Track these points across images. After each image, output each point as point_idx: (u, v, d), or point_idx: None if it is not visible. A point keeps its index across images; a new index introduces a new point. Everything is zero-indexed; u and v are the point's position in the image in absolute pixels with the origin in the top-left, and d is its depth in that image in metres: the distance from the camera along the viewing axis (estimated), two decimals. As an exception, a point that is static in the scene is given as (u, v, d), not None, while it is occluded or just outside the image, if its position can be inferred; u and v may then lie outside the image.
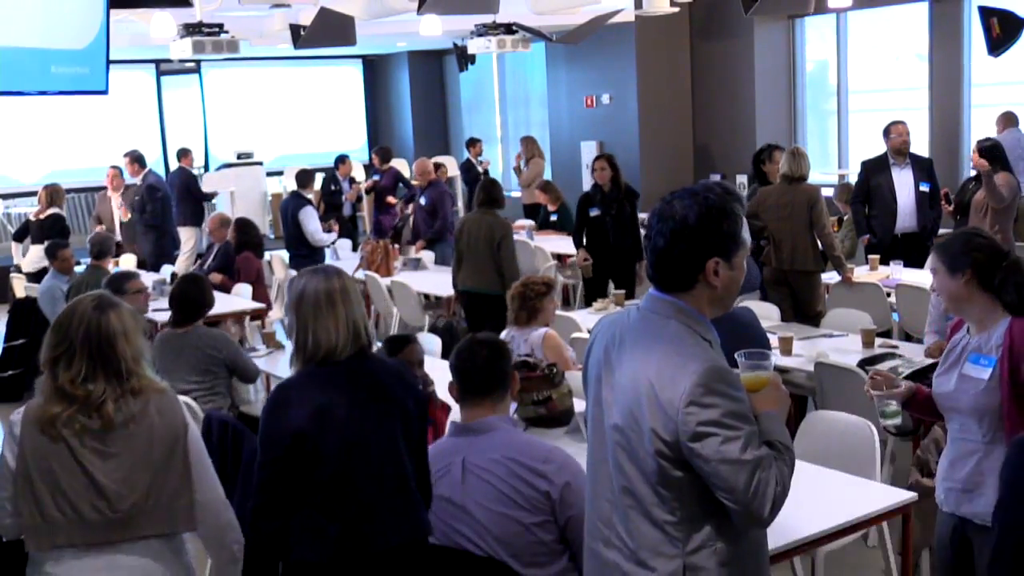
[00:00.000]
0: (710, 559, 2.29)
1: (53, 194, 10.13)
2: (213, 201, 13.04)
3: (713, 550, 2.29)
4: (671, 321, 2.31)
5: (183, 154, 12.30)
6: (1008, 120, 9.58)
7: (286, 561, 2.80)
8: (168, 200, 10.85)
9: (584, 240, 8.02)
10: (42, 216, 10.07)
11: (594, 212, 7.89)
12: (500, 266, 7.06)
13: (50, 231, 9.56)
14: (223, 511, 2.98)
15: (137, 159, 10.60)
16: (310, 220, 9.06)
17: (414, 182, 10.50)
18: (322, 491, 2.76)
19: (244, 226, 8.60)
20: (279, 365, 6.04)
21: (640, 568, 2.32)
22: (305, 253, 9.15)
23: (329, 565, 2.77)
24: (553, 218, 10.67)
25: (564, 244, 9.48)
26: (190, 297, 5.51)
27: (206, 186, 12.76)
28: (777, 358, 5.29)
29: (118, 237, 10.48)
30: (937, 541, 3.23)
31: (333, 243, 9.91)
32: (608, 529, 2.39)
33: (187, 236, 11.44)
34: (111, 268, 8.08)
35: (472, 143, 13.90)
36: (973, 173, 7.64)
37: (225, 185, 13.93)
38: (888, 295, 6.89)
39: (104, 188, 11.41)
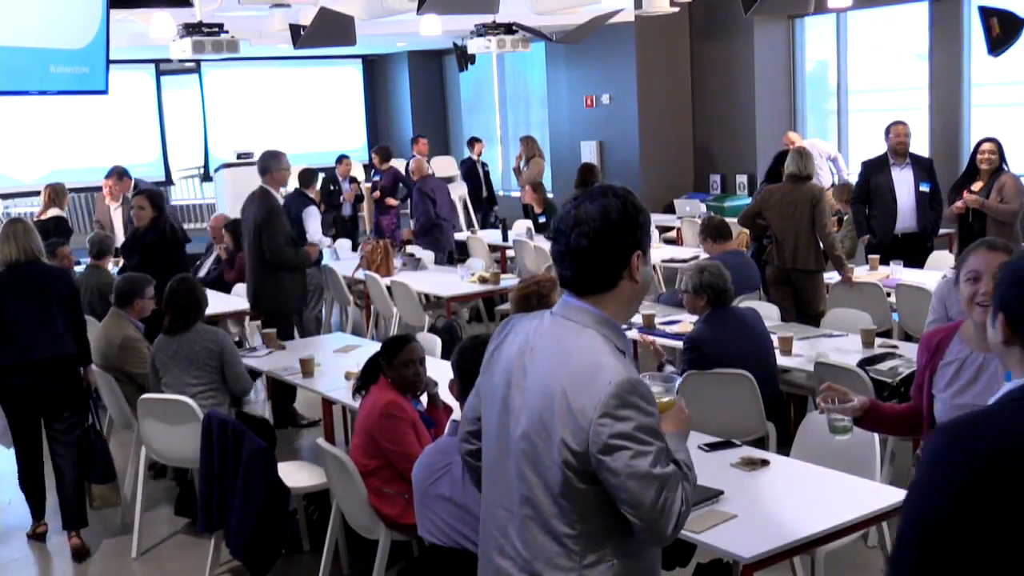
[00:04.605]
0: (606, 574, 2.24)
1: (54, 194, 10.09)
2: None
3: (610, 565, 2.24)
4: (587, 330, 2.26)
5: (415, 141, 12.33)
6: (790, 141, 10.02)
7: None
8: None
9: None
10: (43, 217, 10.06)
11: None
12: None
13: (53, 234, 9.55)
14: None
15: (119, 174, 10.19)
16: (311, 220, 9.05)
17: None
18: (7, 328, 5.09)
19: (239, 225, 8.60)
20: (280, 364, 6.03)
21: None
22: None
23: (12, 368, 5.13)
24: (542, 220, 10.65)
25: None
26: (178, 303, 5.43)
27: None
28: (777, 358, 5.29)
29: (119, 242, 10.45)
30: None
31: (330, 245, 9.80)
32: (503, 538, 2.33)
33: None
34: (111, 268, 8.09)
35: (473, 142, 13.90)
36: (987, 167, 7.61)
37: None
38: (888, 295, 6.90)
39: (100, 189, 11.37)
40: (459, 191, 13.66)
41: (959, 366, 2.98)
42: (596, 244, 2.24)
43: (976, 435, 1.74)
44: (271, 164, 6.93)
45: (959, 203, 7.53)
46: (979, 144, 7.56)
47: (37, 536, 5.48)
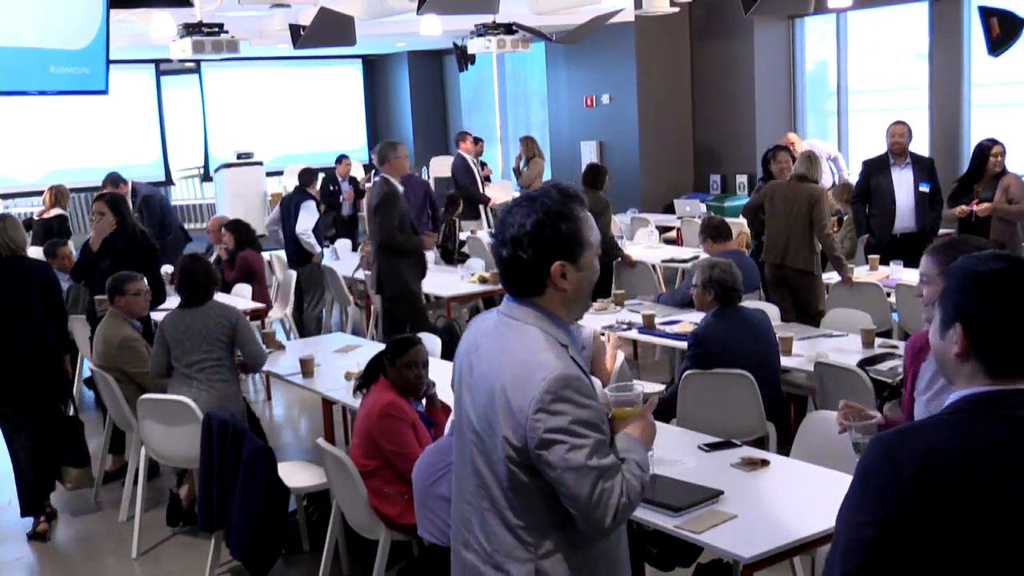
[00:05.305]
0: (560, 564, 2.29)
1: (58, 195, 10.13)
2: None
3: (563, 555, 2.29)
4: (528, 327, 2.29)
5: (461, 138, 12.14)
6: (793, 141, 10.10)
7: None
8: (164, 202, 10.79)
9: None
10: (46, 216, 10.07)
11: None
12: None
13: (56, 233, 9.57)
14: None
15: (114, 182, 9.93)
16: (305, 213, 9.04)
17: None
18: None
19: (239, 225, 8.59)
20: (279, 363, 6.04)
21: (495, 571, 2.32)
22: (306, 249, 9.12)
23: None
24: None
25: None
26: (198, 278, 5.38)
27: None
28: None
29: None
30: None
31: (318, 249, 9.40)
32: (467, 532, 2.38)
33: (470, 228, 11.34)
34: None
35: (475, 141, 13.84)
36: (999, 169, 7.59)
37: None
38: (888, 295, 6.90)
39: (100, 189, 11.35)
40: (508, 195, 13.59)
41: (935, 373, 2.92)
42: (513, 253, 2.28)
43: (907, 447, 1.72)
44: (389, 153, 7.20)
45: (963, 207, 7.50)
46: (990, 146, 7.53)
47: (38, 535, 5.51)
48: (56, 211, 10.02)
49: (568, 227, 2.26)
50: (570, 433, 2.18)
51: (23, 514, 5.58)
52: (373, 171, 12.92)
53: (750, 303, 6.28)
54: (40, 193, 11.56)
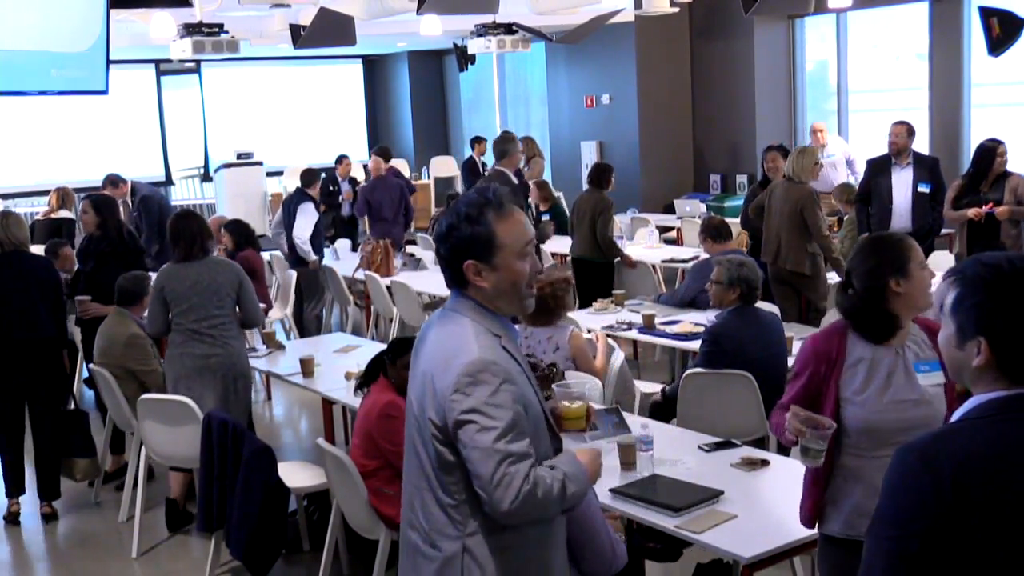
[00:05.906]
0: (484, 544, 2.38)
1: (64, 196, 10.14)
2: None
3: (488, 535, 2.38)
4: (462, 317, 2.44)
5: (477, 141, 12.36)
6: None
7: None
8: (164, 202, 10.78)
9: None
10: (53, 217, 10.08)
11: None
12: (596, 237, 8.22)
13: (64, 235, 9.58)
14: None
15: (113, 182, 9.75)
16: (303, 215, 9.02)
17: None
18: None
19: (238, 225, 8.57)
20: (279, 363, 6.04)
21: (431, 548, 2.44)
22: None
23: None
24: (545, 217, 10.64)
25: (559, 244, 9.55)
26: (192, 230, 5.31)
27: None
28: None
29: None
30: None
31: (316, 258, 9.17)
32: (411, 512, 2.51)
33: None
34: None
35: (477, 141, 13.84)
36: (1002, 170, 7.57)
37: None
38: (888, 295, 6.89)
39: (99, 189, 11.33)
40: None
41: (869, 366, 2.89)
42: (437, 250, 2.49)
43: (944, 454, 1.69)
44: (509, 148, 7.38)
45: (977, 209, 7.43)
46: (995, 147, 7.49)
47: (11, 516, 5.68)
48: (64, 213, 10.06)
49: (474, 230, 2.39)
50: (481, 414, 2.29)
51: (8, 495, 5.75)
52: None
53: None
54: (40, 193, 11.59)
